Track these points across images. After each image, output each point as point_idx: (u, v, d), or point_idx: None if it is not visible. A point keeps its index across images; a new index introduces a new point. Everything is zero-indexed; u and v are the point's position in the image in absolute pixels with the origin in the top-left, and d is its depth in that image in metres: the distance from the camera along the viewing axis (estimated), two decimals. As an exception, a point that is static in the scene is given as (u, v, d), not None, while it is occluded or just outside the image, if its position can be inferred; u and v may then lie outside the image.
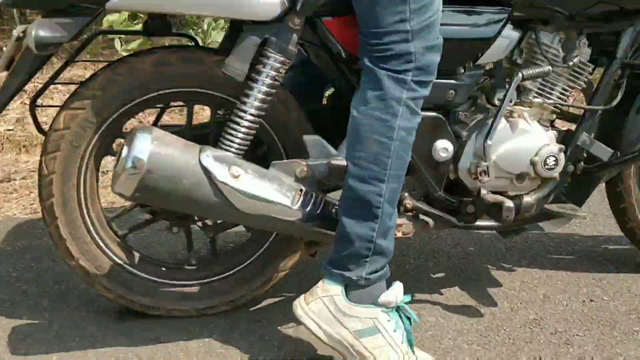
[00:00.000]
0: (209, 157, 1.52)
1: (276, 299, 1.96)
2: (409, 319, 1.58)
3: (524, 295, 2.03)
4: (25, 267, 2.12)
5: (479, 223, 1.82)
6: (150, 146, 1.46)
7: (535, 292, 2.05)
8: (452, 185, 1.83)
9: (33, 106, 1.80)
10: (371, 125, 1.49)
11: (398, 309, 1.58)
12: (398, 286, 1.58)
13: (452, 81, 1.73)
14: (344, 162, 1.54)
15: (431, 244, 2.36)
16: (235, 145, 1.60)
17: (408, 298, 1.60)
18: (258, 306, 1.92)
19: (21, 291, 1.97)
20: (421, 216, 1.81)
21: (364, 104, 1.51)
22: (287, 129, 1.74)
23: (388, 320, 1.54)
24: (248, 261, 1.85)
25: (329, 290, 1.54)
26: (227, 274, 1.85)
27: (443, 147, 1.74)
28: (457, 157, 1.79)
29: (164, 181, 1.47)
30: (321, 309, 1.53)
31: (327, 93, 2.13)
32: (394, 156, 1.50)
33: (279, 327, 1.82)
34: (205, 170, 1.51)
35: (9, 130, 3.46)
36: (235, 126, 1.61)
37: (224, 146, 1.59)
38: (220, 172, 1.52)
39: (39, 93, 1.80)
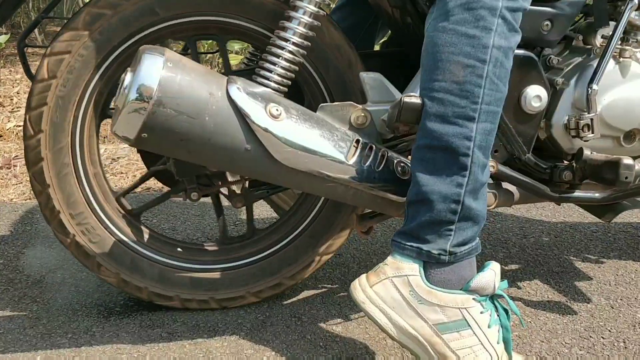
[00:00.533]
0: (240, 89, 1.15)
1: (317, 291, 1.59)
2: (506, 311, 1.19)
3: (622, 290, 1.63)
4: (15, 253, 1.79)
5: (577, 194, 1.44)
6: (162, 70, 1.09)
7: (636, 286, 1.66)
8: (537, 148, 1.45)
9: (22, 45, 1.45)
10: (455, 44, 1.11)
11: (493, 297, 1.19)
12: (495, 267, 1.18)
13: (549, 9, 1.35)
14: (418, 100, 1.16)
15: (496, 234, 1.98)
16: (274, 81, 1.24)
17: (505, 284, 1.21)
18: (295, 298, 1.55)
19: (7, 280, 1.63)
20: (504, 185, 1.42)
21: (445, 18, 1.13)
22: (334, 68, 1.38)
23: (481, 312, 1.15)
24: (284, 241, 1.49)
25: (401, 269, 1.15)
26: (257, 257, 1.49)
27: (535, 95, 1.37)
28: (551, 109, 1.41)
29: (180, 118, 1.10)
30: (390, 293, 1.15)
31: (379, 41, 1.77)
32: (487, 84, 1.12)
33: (322, 324, 1.44)
34: (235, 107, 1.14)
35: (19, 126, 3.23)
36: (273, 58, 1.25)
37: (259, 80, 1.22)
38: (255, 110, 1.15)
39: (29, 30, 1.47)
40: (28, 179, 2.50)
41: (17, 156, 2.76)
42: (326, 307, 1.51)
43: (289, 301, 1.53)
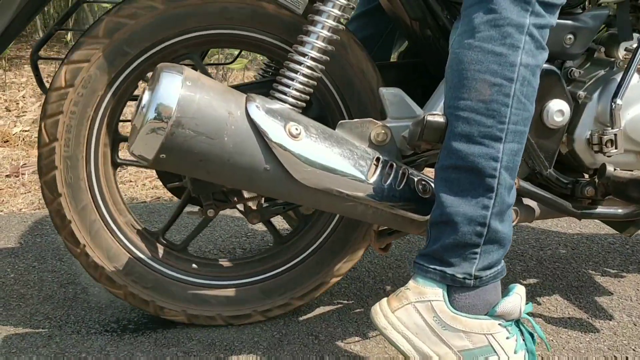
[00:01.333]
0: (259, 108, 1.13)
1: (333, 307, 1.56)
2: (531, 335, 1.16)
3: (644, 306, 1.61)
4: (26, 267, 1.76)
5: (600, 210, 1.41)
6: (181, 89, 1.07)
7: (658, 302, 1.63)
8: (557, 162, 1.42)
9: (35, 58, 1.43)
10: (481, 62, 1.08)
11: (518, 321, 1.16)
12: (520, 291, 1.16)
13: (571, 22, 1.33)
14: (442, 119, 1.13)
15: (512, 246, 1.94)
16: (292, 96, 1.21)
17: (530, 307, 1.18)
18: (311, 315, 1.52)
19: (18, 295, 1.60)
20: (525, 200, 1.40)
21: (470, 34, 1.10)
22: (353, 83, 1.35)
23: (507, 338, 1.12)
24: (299, 258, 1.46)
25: (424, 294, 1.12)
26: (270, 274, 1.47)
27: (558, 110, 1.34)
28: (573, 124, 1.38)
29: (199, 138, 1.08)
30: (413, 318, 1.12)
31: (396, 52, 1.74)
32: (514, 104, 1.09)
33: (340, 343, 1.42)
34: (254, 125, 1.11)
35: (25, 131, 3.22)
36: (291, 74, 1.23)
37: (277, 96, 1.20)
38: (274, 129, 1.12)
39: (42, 42, 1.45)
40: (38, 187, 2.49)
41: (25, 164, 2.74)
42: (343, 325, 1.48)
43: (305, 318, 1.51)
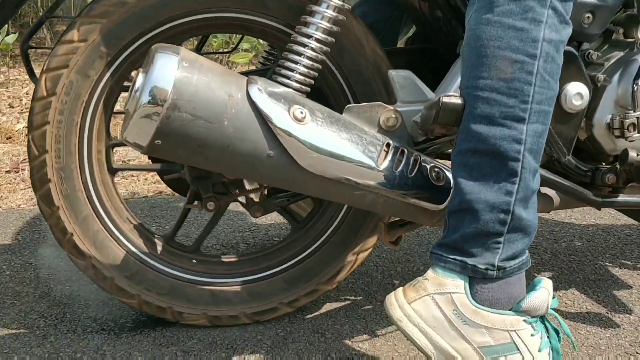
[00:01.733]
0: (261, 90, 1.06)
1: (340, 304, 1.49)
2: (556, 331, 1.09)
3: (665, 300, 1.54)
4: (22, 264, 1.70)
5: (622, 198, 1.34)
6: (177, 71, 1.00)
7: (679, 296, 1.56)
8: (576, 149, 1.36)
9: (25, 47, 1.37)
10: (501, 38, 1.01)
11: (543, 317, 1.08)
12: (547, 285, 1.08)
13: (590, 0, 1.26)
14: (459, 100, 1.06)
15: (525, 239, 1.88)
16: (296, 80, 1.14)
17: (556, 302, 1.10)
18: (317, 312, 1.45)
19: (13, 293, 1.55)
20: (543, 189, 1.33)
21: (488, 9, 1.03)
22: (359, 67, 1.28)
23: (532, 335, 1.05)
24: (302, 255, 1.40)
25: (444, 285, 1.05)
26: (275, 270, 1.40)
27: (577, 93, 1.27)
28: (592, 108, 1.32)
29: (197, 122, 1.01)
30: (431, 311, 1.04)
31: (403, 38, 1.67)
32: (537, 82, 1.02)
33: (347, 341, 1.35)
34: (256, 109, 1.05)
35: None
36: (294, 56, 1.16)
37: (280, 80, 1.13)
38: (278, 113, 1.05)
39: (33, 31, 1.39)
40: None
41: (25, 160, 2.69)
42: (350, 322, 1.42)
43: (311, 315, 1.44)
